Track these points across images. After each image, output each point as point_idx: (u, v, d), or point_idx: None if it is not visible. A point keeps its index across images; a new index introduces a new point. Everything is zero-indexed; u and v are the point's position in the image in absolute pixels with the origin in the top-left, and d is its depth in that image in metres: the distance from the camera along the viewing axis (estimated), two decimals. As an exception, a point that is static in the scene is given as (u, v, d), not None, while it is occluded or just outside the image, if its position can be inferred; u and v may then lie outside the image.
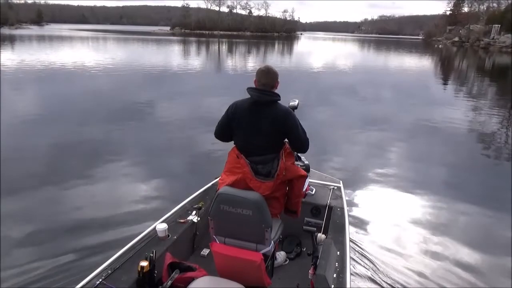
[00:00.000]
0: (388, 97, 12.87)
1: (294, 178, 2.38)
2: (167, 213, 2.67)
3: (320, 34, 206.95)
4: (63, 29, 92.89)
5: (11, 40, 38.67)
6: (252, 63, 24.14)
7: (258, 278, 2.03)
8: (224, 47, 43.67)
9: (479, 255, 3.50)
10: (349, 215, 2.89)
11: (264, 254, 2.03)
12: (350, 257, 2.39)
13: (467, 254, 3.51)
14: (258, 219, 1.93)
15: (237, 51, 37.70)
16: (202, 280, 1.92)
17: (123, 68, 17.98)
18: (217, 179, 2.89)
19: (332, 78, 18.25)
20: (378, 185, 5.16)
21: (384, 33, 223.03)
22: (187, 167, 5.68)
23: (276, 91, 2.29)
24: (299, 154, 3.05)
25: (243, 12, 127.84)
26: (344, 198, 3.05)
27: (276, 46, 52.33)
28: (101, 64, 18.96)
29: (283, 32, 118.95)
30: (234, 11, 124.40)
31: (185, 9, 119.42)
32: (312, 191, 3.08)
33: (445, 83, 18.35)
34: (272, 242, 2.07)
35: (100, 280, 1.92)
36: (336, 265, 2.14)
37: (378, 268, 3.14)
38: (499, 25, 59.84)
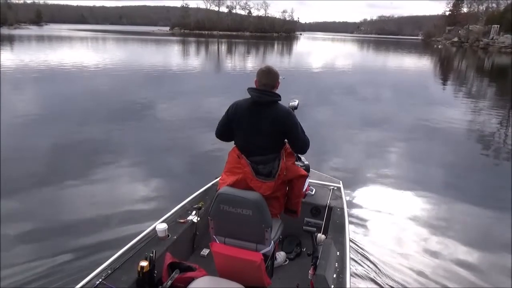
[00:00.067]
0: (388, 97, 12.89)
1: (295, 178, 2.39)
2: (167, 213, 2.67)
3: (320, 34, 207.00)
4: (62, 29, 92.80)
5: (10, 40, 38.62)
6: (252, 63, 24.14)
7: (258, 278, 2.03)
8: (223, 47, 43.67)
9: (479, 254, 3.51)
10: (349, 215, 2.89)
11: (264, 254, 2.03)
12: (350, 257, 2.39)
13: (467, 254, 3.51)
14: (258, 219, 1.94)
15: (237, 51, 37.70)
16: (202, 280, 1.92)
17: (123, 68, 17.98)
18: (217, 179, 2.89)
19: (331, 78, 18.27)
20: (378, 185, 5.16)
21: (383, 33, 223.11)
22: (187, 167, 5.68)
23: (277, 91, 2.29)
24: (299, 155, 3.05)
25: (243, 12, 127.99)
26: (344, 198, 3.05)
27: (276, 46, 52.33)
28: (101, 64, 18.95)
29: (283, 32, 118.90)
30: (234, 11, 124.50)
31: (185, 9, 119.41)
32: (312, 191, 3.08)
33: (444, 83, 18.37)
34: (272, 242, 2.08)
35: (100, 280, 1.92)
36: (336, 265, 2.14)
37: (378, 268, 3.14)
38: (498, 26, 59.87)
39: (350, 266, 2.29)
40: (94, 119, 8.05)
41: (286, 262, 2.73)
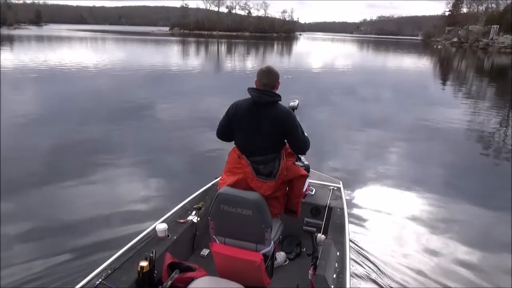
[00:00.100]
0: (388, 97, 12.89)
1: (295, 178, 2.39)
2: (167, 213, 2.67)
3: (319, 35, 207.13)
4: (62, 29, 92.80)
5: (10, 40, 38.60)
6: (251, 63, 24.15)
7: (258, 278, 2.03)
8: (223, 48, 43.67)
9: (479, 254, 3.51)
10: (349, 216, 2.89)
11: (264, 254, 2.03)
12: (350, 258, 2.39)
13: (467, 253, 3.52)
14: (258, 219, 1.94)
15: (236, 52, 37.70)
16: (202, 280, 1.91)
17: (122, 68, 17.97)
18: (217, 179, 2.89)
19: (331, 78, 18.28)
20: (378, 185, 5.17)
21: (383, 33, 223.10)
22: (187, 167, 5.68)
23: (277, 91, 2.29)
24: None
25: (242, 13, 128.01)
26: (344, 199, 3.05)
27: (275, 46, 52.36)
28: (100, 65, 18.95)
29: (282, 32, 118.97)
30: (233, 11, 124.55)
31: (184, 10, 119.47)
32: (312, 192, 3.08)
33: (444, 84, 18.38)
34: (272, 242, 2.08)
35: (100, 280, 1.92)
36: (336, 266, 2.14)
37: (378, 268, 3.14)
38: (498, 26, 59.92)
39: (350, 266, 2.29)
40: (94, 119, 8.05)
41: (286, 262, 2.72)
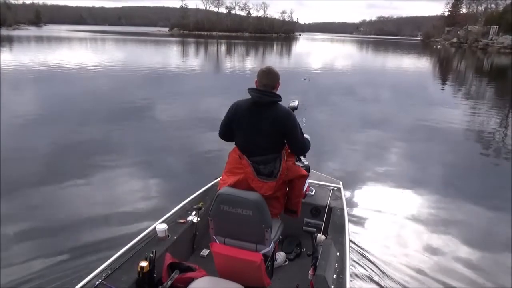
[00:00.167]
0: (387, 98, 12.90)
1: (295, 178, 2.39)
2: (167, 213, 2.66)
3: (319, 35, 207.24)
4: (61, 30, 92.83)
5: (9, 41, 38.58)
6: (251, 64, 24.16)
7: (258, 279, 2.03)
8: (222, 48, 43.68)
9: (479, 253, 3.52)
10: (349, 216, 2.89)
11: (264, 255, 2.03)
12: (350, 258, 2.39)
13: (467, 253, 3.52)
14: (258, 219, 1.94)
15: (236, 52, 37.71)
16: (202, 280, 1.91)
17: (122, 68, 17.97)
18: (217, 179, 2.89)
19: (331, 79, 18.28)
20: (378, 185, 5.17)
21: (383, 34, 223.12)
22: (187, 167, 5.68)
23: (278, 92, 2.29)
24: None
25: (242, 13, 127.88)
26: (344, 199, 3.05)
27: (275, 47, 52.39)
28: (100, 65, 18.95)
29: (282, 33, 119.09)
30: (233, 12, 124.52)
31: (184, 10, 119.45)
32: (312, 192, 3.08)
33: (443, 84, 18.39)
34: (272, 242, 2.08)
35: (100, 280, 1.92)
36: (336, 266, 2.14)
37: (378, 268, 3.14)
38: (497, 26, 59.99)
39: (350, 267, 2.29)
40: (93, 119, 8.04)
41: (286, 263, 2.72)
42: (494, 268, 3.29)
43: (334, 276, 2.05)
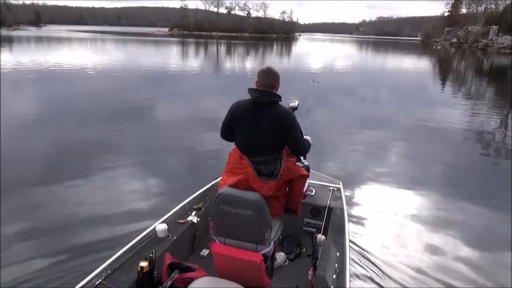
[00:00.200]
0: (387, 98, 12.90)
1: (296, 177, 2.39)
2: (167, 214, 2.66)
3: (319, 35, 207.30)
4: (61, 30, 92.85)
5: (9, 41, 38.58)
6: (251, 64, 24.16)
7: (257, 279, 2.03)
8: (222, 48, 43.68)
9: (479, 253, 3.52)
10: (349, 216, 2.89)
11: (264, 255, 2.03)
12: (350, 258, 2.39)
13: (467, 252, 3.52)
14: (258, 219, 1.93)
15: (236, 52, 37.72)
16: (201, 280, 1.91)
17: (122, 69, 17.98)
18: (217, 179, 2.89)
19: (331, 79, 18.26)
20: (378, 185, 5.17)
21: (382, 34, 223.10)
22: (187, 167, 5.68)
23: (277, 92, 2.29)
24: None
25: (242, 13, 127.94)
26: (344, 199, 3.05)
27: (275, 47, 52.40)
28: (100, 65, 18.95)
29: (282, 33, 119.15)
30: (233, 12, 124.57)
31: (184, 10, 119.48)
32: (312, 192, 3.08)
33: (443, 84, 18.39)
34: (272, 242, 2.07)
35: (100, 280, 1.92)
36: (336, 266, 2.14)
37: (378, 269, 3.14)
38: (497, 27, 60.02)
39: (350, 267, 2.29)
40: (93, 119, 8.04)
41: (286, 263, 2.72)
42: (494, 268, 3.30)
43: (334, 276, 2.05)
